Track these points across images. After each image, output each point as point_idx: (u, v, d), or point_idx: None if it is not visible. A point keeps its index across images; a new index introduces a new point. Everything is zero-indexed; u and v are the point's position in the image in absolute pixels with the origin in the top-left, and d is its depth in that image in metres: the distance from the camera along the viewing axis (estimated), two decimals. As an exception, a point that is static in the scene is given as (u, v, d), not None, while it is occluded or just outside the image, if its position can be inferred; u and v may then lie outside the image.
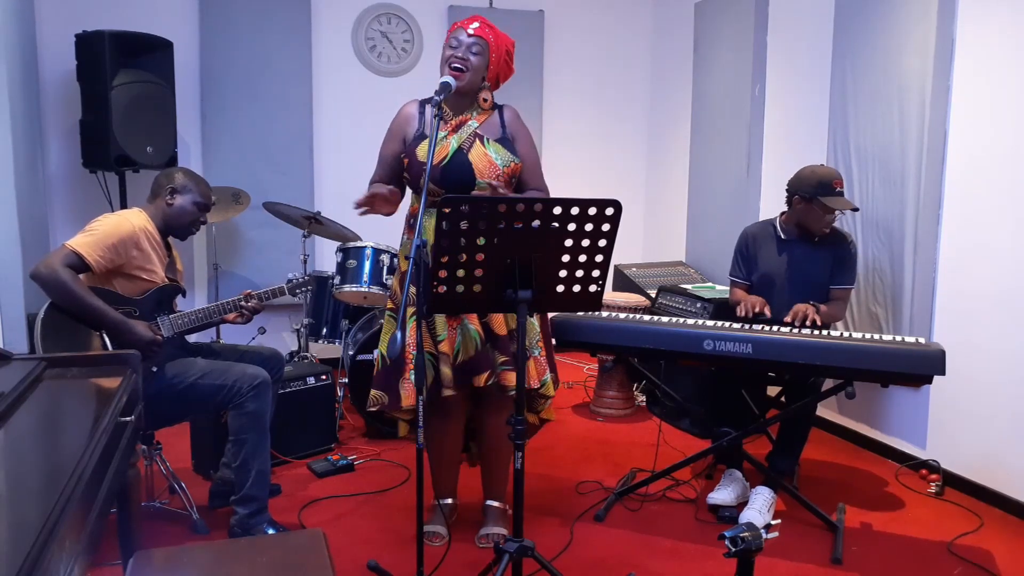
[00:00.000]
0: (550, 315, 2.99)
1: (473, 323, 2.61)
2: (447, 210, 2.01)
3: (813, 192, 3.11)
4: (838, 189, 3.12)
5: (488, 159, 2.58)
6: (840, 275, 3.22)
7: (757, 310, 3.10)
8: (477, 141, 2.61)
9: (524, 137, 2.71)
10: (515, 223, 2.07)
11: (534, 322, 2.71)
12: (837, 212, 3.14)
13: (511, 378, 2.60)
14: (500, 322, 2.63)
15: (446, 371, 2.60)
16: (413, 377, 2.60)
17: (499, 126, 2.67)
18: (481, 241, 2.08)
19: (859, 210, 3.31)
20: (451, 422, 2.80)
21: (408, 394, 2.63)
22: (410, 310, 2.57)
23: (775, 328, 2.93)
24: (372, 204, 2.53)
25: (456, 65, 2.55)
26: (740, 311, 3.13)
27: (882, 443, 3.73)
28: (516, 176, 2.64)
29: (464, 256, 2.09)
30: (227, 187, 4.35)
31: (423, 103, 2.72)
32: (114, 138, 3.86)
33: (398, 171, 2.70)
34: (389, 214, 2.63)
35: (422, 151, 2.61)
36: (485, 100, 2.65)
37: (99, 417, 1.66)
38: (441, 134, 2.60)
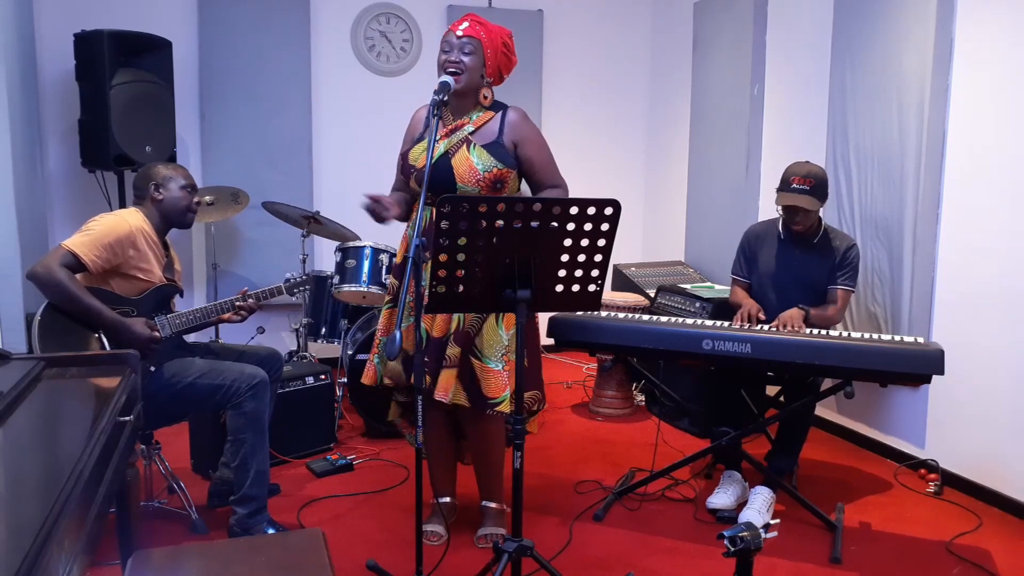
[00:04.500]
0: (549, 315, 2.99)
1: (425, 322, 2.62)
2: (447, 209, 2.01)
3: (778, 187, 3.15)
4: (795, 185, 3.08)
5: (469, 164, 2.57)
6: (840, 276, 3.18)
7: (752, 322, 3.08)
8: (464, 146, 2.60)
9: (530, 138, 2.67)
10: (514, 223, 2.07)
11: (502, 333, 2.62)
12: (816, 211, 3.11)
13: (425, 380, 2.60)
14: (440, 323, 2.62)
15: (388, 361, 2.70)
16: (376, 358, 2.77)
17: (495, 131, 2.64)
18: (481, 241, 2.08)
19: (809, 209, 3.07)
20: (429, 418, 2.78)
21: (365, 372, 2.79)
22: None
23: (774, 328, 2.93)
24: (378, 209, 2.58)
25: (451, 69, 2.55)
26: (736, 321, 3.11)
27: (881, 443, 3.73)
28: (503, 180, 2.61)
29: (463, 256, 2.09)
30: (226, 186, 4.35)
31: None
32: (113, 138, 3.86)
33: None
34: (401, 219, 2.71)
35: (414, 154, 2.66)
36: (485, 98, 2.65)
37: (98, 417, 1.66)
38: (436, 138, 2.61)
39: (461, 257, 2.09)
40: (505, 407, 2.58)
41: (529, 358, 2.68)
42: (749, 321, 3.09)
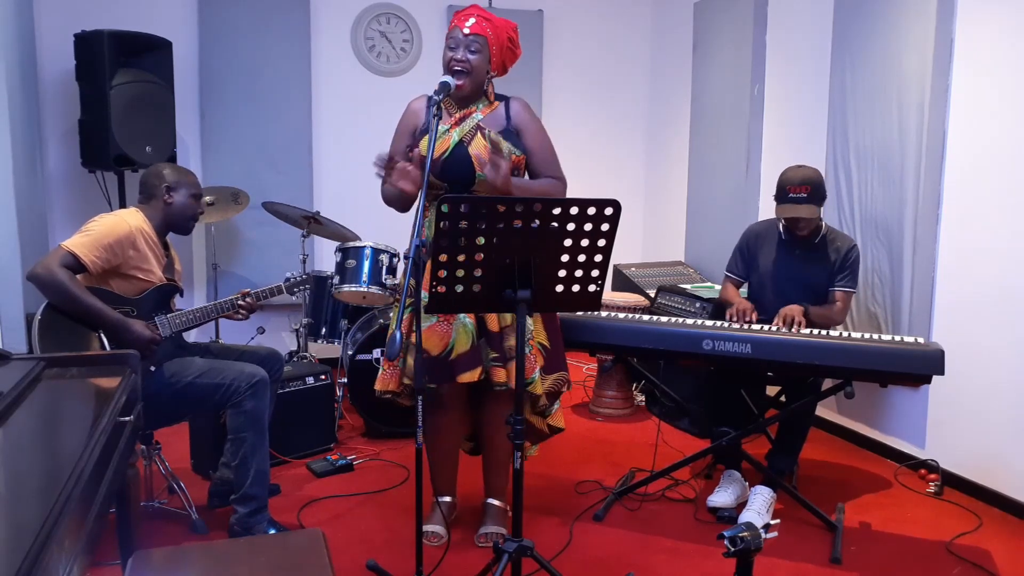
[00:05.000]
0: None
1: (469, 317, 2.62)
2: (446, 209, 2.01)
3: (775, 197, 3.14)
4: (792, 195, 3.06)
5: (488, 152, 2.56)
6: (840, 278, 3.18)
7: (747, 319, 3.08)
8: (479, 134, 2.60)
9: (533, 128, 2.68)
10: (514, 223, 2.07)
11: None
12: (817, 217, 3.11)
13: (501, 374, 2.61)
14: (493, 318, 2.63)
15: (409, 361, 2.65)
16: (401, 363, 2.71)
17: (503, 118, 2.65)
18: (481, 241, 2.08)
19: (811, 218, 3.08)
20: (445, 417, 2.79)
21: (379, 378, 2.73)
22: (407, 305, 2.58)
23: (774, 328, 2.93)
24: (391, 174, 2.51)
25: (457, 68, 2.55)
26: (729, 316, 3.11)
27: (881, 443, 3.73)
28: (518, 168, 2.62)
29: (463, 256, 2.09)
30: (226, 187, 4.35)
31: (431, 98, 2.71)
32: (113, 138, 3.86)
33: None
34: (407, 200, 2.63)
35: (424, 146, 2.62)
36: (487, 93, 2.66)
37: (98, 417, 1.66)
38: (444, 127, 2.60)
39: (461, 257, 2.09)
40: (536, 387, 2.63)
41: (552, 342, 2.74)
42: (742, 318, 3.08)
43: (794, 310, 3.00)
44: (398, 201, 2.68)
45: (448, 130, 2.60)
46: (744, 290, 3.44)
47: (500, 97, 2.70)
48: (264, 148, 4.77)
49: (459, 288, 2.14)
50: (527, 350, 2.63)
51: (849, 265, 3.18)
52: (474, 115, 2.63)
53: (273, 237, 4.75)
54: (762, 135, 4.49)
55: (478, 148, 2.57)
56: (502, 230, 2.07)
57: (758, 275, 3.32)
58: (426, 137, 2.61)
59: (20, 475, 1.42)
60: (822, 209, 3.16)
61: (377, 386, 2.73)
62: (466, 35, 2.55)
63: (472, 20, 2.56)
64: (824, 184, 3.14)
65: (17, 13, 3.63)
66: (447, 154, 2.58)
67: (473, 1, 5.03)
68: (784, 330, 2.92)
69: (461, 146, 2.58)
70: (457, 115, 2.63)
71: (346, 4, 4.97)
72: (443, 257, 2.08)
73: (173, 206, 2.79)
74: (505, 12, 5.15)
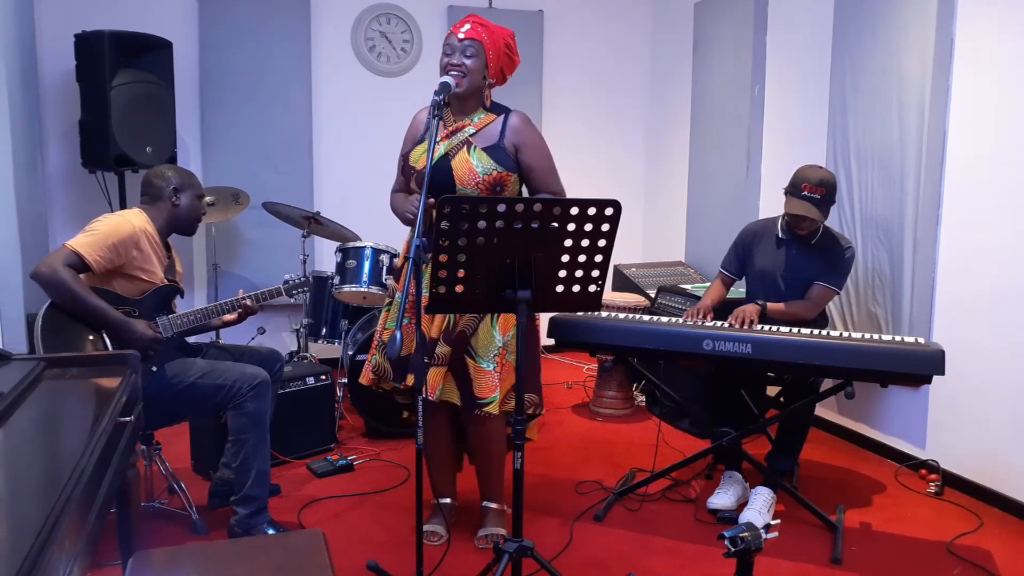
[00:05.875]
0: (549, 315, 2.99)
1: (423, 323, 2.63)
2: (447, 209, 2.02)
3: (787, 190, 3.14)
4: (805, 192, 3.06)
5: (469, 166, 2.57)
6: (825, 274, 3.16)
7: (701, 317, 3.10)
8: (464, 148, 2.60)
9: (532, 143, 2.66)
10: (515, 223, 2.07)
11: (496, 334, 2.62)
12: (819, 219, 3.09)
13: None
14: (436, 323, 2.63)
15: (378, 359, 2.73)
16: (373, 359, 2.78)
17: (497, 134, 2.64)
18: (481, 241, 2.08)
19: (816, 220, 3.07)
20: (431, 419, 2.78)
21: (363, 373, 2.82)
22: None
23: (774, 328, 2.93)
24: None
25: (453, 72, 2.55)
26: (687, 317, 3.11)
27: (881, 443, 3.73)
28: (501, 184, 2.60)
29: (464, 256, 2.09)
30: (226, 187, 4.35)
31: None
32: (113, 138, 3.87)
33: None
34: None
35: (415, 155, 2.66)
36: (486, 99, 2.66)
37: (99, 417, 1.66)
38: (436, 139, 2.61)
39: (462, 258, 2.09)
40: (494, 408, 2.59)
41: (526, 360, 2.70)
42: (696, 316, 3.10)
43: (748, 312, 3.01)
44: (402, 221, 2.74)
45: (439, 142, 2.61)
46: (742, 289, 3.44)
47: (500, 109, 2.70)
48: (264, 148, 4.77)
49: (459, 288, 2.14)
50: (492, 367, 2.60)
51: (840, 265, 3.17)
52: (466, 129, 2.63)
53: (273, 237, 4.75)
54: (762, 135, 4.49)
55: (460, 163, 2.58)
56: (502, 230, 2.07)
57: (754, 273, 3.32)
58: (419, 146, 2.66)
59: (20, 475, 1.42)
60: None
61: (361, 379, 2.83)
62: (461, 40, 2.56)
63: (467, 26, 2.58)
64: (836, 192, 3.14)
65: (17, 13, 3.63)
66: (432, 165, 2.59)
67: (473, 6, 5.05)
68: (736, 324, 2.93)
69: (445, 159, 2.59)
70: (451, 127, 2.64)
71: (346, 4, 4.97)
72: (443, 257, 2.08)
73: (180, 208, 2.80)
74: (505, 13, 5.17)
